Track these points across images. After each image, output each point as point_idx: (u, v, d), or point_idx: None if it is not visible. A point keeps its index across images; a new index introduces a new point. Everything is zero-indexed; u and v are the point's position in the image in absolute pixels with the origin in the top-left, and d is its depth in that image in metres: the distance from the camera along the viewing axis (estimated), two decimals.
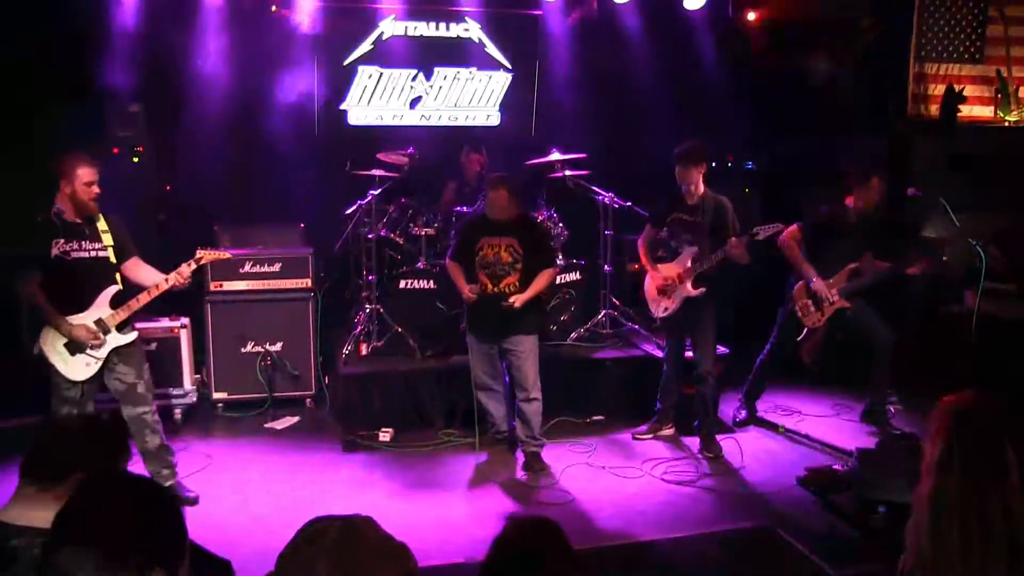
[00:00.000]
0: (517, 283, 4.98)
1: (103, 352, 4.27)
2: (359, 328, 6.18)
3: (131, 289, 4.38)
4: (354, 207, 6.41)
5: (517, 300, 4.92)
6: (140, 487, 1.60)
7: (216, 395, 6.06)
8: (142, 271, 4.43)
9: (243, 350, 6.07)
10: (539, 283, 5.01)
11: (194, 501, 4.60)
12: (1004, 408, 1.61)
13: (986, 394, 1.66)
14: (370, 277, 6.25)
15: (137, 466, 4.73)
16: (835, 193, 5.71)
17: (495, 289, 4.98)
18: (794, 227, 5.52)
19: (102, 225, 4.31)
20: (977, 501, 1.52)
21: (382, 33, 7.27)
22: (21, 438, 5.33)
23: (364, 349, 6.08)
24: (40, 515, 1.94)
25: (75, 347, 4.22)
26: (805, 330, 5.63)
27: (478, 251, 5.01)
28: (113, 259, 4.32)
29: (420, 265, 6.23)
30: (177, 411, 5.82)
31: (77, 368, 4.24)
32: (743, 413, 5.95)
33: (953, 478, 1.56)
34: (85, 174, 4.16)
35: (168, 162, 6.70)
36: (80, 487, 1.60)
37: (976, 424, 1.59)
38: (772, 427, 5.86)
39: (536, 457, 5.09)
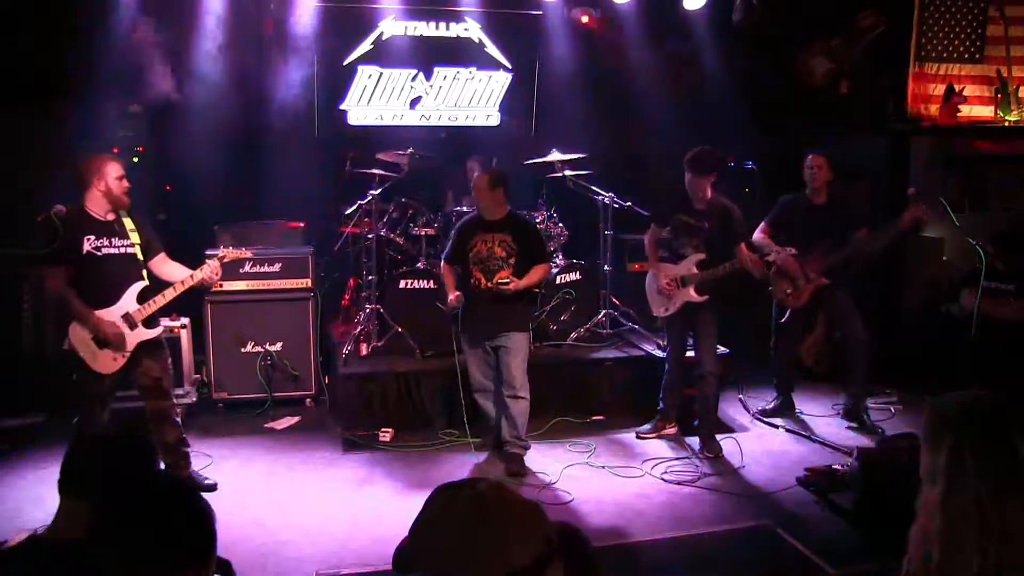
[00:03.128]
0: (510, 277, 4.94)
1: (130, 346, 4.36)
2: (359, 328, 6.17)
3: (158, 284, 4.50)
4: (354, 207, 6.41)
5: (513, 284, 4.85)
6: (177, 487, 1.62)
7: (216, 395, 6.05)
8: (170, 267, 4.58)
9: (243, 350, 6.07)
10: (533, 276, 4.99)
11: (212, 487, 4.73)
12: (1003, 404, 1.59)
13: (983, 391, 1.64)
14: (370, 277, 6.25)
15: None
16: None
17: (488, 284, 4.95)
18: (762, 224, 5.74)
19: (129, 223, 4.44)
20: (997, 503, 1.49)
21: (382, 33, 7.26)
22: (24, 436, 5.38)
23: (364, 349, 6.08)
24: (79, 528, 1.93)
25: (103, 341, 4.29)
26: (788, 312, 5.74)
27: (471, 248, 4.99)
28: (140, 255, 4.45)
29: (420, 265, 6.23)
30: (177, 411, 5.80)
31: (105, 362, 4.32)
32: (774, 404, 6.04)
33: (968, 482, 1.52)
34: (115, 169, 4.34)
35: (168, 162, 6.69)
36: (116, 487, 1.61)
37: (982, 423, 1.56)
38: (772, 427, 5.86)
39: (519, 461, 5.00)
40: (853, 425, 5.73)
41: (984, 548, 1.48)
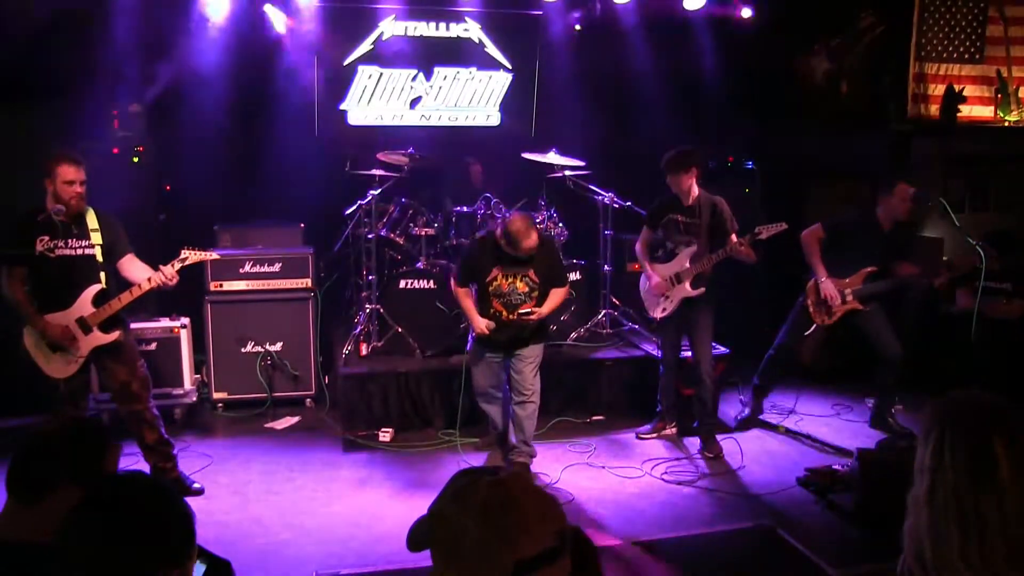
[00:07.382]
0: (533, 309, 4.87)
1: (84, 351, 4.26)
2: (359, 328, 6.18)
3: (117, 287, 4.37)
4: (354, 207, 6.41)
5: (536, 315, 4.82)
6: (151, 488, 1.60)
7: (216, 395, 6.06)
8: (136, 268, 4.41)
9: (243, 350, 6.07)
10: (553, 301, 4.94)
11: (199, 491, 4.67)
12: (990, 403, 1.62)
13: (972, 391, 1.67)
14: (370, 277, 6.25)
15: (139, 460, 4.75)
16: (836, 193, 5.75)
17: (510, 316, 4.86)
18: (817, 226, 5.49)
19: (92, 223, 4.30)
20: (972, 498, 1.53)
21: (382, 33, 7.26)
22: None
23: (364, 349, 6.08)
24: (20, 531, 1.87)
25: (56, 345, 4.21)
26: (813, 326, 5.59)
27: (490, 281, 4.86)
28: (100, 257, 4.30)
29: (420, 265, 6.23)
30: (177, 411, 5.82)
31: (58, 366, 4.24)
32: (746, 411, 5.91)
33: (947, 477, 1.57)
34: (65, 172, 4.14)
35: (167, 162, 6.69)
36: (90, 489, 1.59)
37: (962, 420, 1.61)
38: (772, 427, 5.86)
39: (524, 468, 4.93)
40: (882, 436, 5.56)
41: (965, 541, 1.52)
